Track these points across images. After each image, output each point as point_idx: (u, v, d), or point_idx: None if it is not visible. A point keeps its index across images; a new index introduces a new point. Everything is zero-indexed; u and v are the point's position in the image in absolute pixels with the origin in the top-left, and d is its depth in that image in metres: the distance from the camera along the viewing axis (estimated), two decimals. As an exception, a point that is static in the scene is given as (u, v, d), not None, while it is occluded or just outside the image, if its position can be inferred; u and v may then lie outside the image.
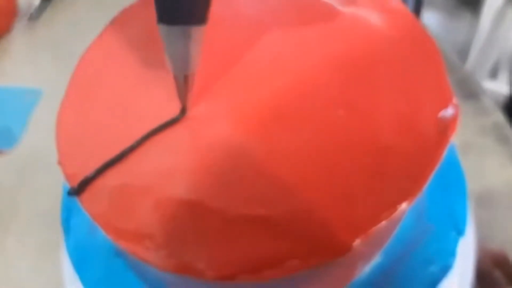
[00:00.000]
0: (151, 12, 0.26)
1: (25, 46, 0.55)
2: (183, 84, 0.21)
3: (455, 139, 0.40)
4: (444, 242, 0.25)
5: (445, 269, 0.24)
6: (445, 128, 0.20)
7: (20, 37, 0.56)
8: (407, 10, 0.25)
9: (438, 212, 0.25)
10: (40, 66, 0.52)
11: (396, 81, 0.22)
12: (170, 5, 0.18)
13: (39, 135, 0.46)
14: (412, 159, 0.20)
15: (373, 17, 0.24)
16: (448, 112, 0.21)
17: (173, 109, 0.22)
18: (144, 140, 0.21)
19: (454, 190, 0.26)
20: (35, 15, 0.56)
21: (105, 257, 0.25)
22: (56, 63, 0.52)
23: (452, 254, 0.24)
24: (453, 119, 0.21)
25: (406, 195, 0.19)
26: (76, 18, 0.57)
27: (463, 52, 0.82)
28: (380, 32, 0.23)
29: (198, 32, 0.19)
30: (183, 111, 0.22)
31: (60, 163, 0.21)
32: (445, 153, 0.20)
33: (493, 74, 0.78)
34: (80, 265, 0.26)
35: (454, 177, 0.27)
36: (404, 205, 0.18)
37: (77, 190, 0.20)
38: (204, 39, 0.20)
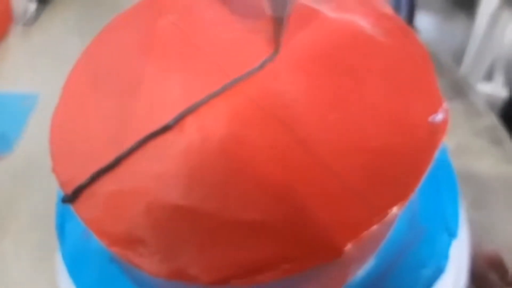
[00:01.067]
0: (146, 17, 0.27)
1: (21, 51, 0.55)
2: (280, 26, 0.24)
3: (449, 141, 0.41)
4: (436, 245, 0.25)
5: (438, 272, 0.24)
6: (435, 132, 0.20)
7: (16, 42, 0.56)
8: (397, 15, 0.25)
9: (430, 214, 0.26)
10: (37, 71, 0.52)
11: (387, 86, 0.22)
12: None
13: (36, 140, 0.46)
14: (403, 163, 0.20)
15: (363, 23, 0.24)
16: (438, 116, 0.21)
17: (167, 115, 0.22)
18: (137, 146, 0.21)
19: (446, 193, 0.26)
20: (31, 20, 0.56)
21: (100, 263, 0.25)
22: (52, 68, 0.52)
23: (444, 256, 0.25)
24: (443, 123, 0.21)
25: (397, 199, 0.19)
26: (72, 22, 0.57)
27: (458, 54, 0.82)
28: (370, 37, 0.24)
29: None
30: (276, 51, 0.24)
31: (53, 170, 0.21)
32: (435, 156, 0.20)
33: (489, 76, 0.79)
34: (75, 271, 0.26)
35: (445, 179, 0.27)
36: (395, 209, 0.19)
37: (71, 197, 0.20)
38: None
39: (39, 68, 0.53)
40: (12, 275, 0.37)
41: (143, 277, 0.22)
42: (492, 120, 0.41)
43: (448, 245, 0.25)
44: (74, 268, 0.26)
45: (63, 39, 0.55)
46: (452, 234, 0.25)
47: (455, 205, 0.26)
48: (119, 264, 0.25)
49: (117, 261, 0.25)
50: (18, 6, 0.57)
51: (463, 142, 0.40)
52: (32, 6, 0.56)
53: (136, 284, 0.25)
